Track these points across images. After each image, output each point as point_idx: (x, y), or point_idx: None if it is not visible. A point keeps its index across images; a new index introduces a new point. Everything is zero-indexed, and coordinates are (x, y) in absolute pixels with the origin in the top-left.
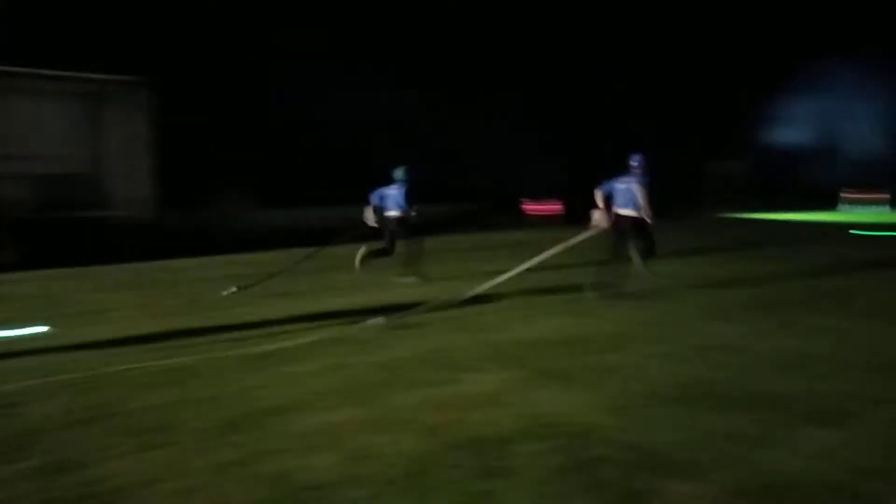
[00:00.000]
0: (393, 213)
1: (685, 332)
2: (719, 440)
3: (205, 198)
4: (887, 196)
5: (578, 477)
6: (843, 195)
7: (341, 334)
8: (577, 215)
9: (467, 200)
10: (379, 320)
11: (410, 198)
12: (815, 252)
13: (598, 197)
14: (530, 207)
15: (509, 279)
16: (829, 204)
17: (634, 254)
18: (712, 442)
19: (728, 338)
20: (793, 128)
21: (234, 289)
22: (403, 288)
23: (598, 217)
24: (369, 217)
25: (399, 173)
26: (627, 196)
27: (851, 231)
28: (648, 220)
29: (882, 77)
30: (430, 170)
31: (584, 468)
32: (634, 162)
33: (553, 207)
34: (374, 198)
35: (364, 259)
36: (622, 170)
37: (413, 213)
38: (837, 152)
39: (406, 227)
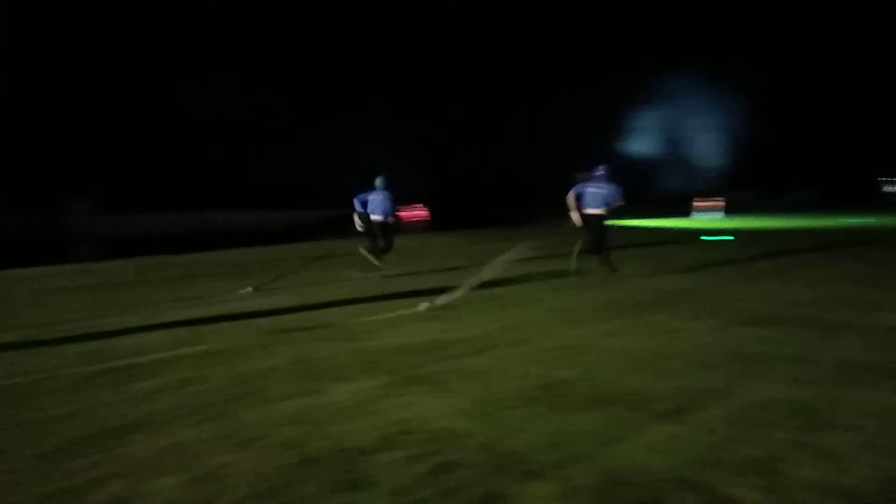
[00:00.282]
0: (377, 217)
1: (544, 334)
2: (574, 439)
3: (49, 201)
4: (722, 203)
5: (436, 483)
6: (694, 203)
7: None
8: (444, 221)
9: (332, 206)
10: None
11: (395, 203)
12: (667, 256)
13: (571, 199)
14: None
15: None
16: (683, 211)
17: (579, 244)
18: (567, 441)
19: (583, 339)
20: (644, 139)
21: (249, 289)
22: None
23: (574, 216)
24: (357, 223)
25: (379, 181)
26: (598, 198)
27: (702, 237)
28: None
29: (720, 91)
30: (290, 172)
31: (442, 474)
32: (600, 171)
33: (419, 214)
34: (357, 204)
35: (369, 259)
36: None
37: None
38: (685, 161)
39: (388, 229)
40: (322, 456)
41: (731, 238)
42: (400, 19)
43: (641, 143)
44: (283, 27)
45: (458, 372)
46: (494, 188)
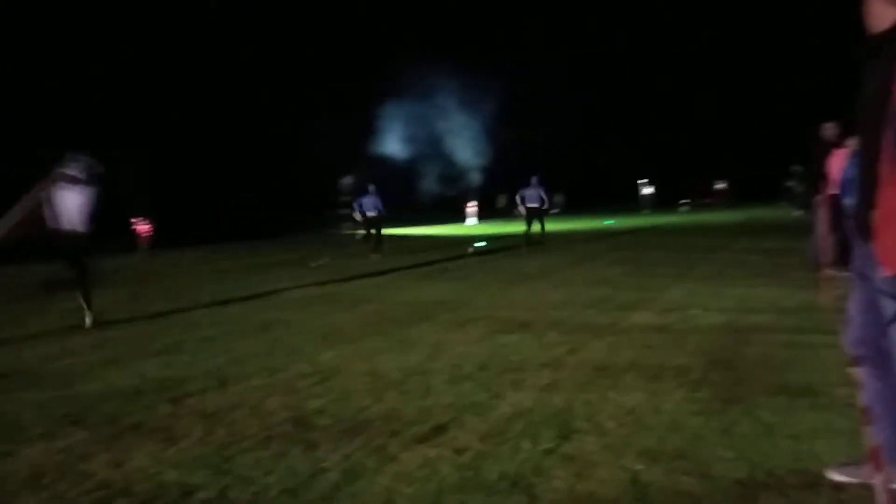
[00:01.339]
0: (371, 213)
1: (293, 358)
2: (321, 480)
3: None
4: (475, 208)
5: None
6: (467, 208)
7: None
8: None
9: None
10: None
11: (384, 201)
12: (433, 264)
13: (520, 198)
14: (141, 228)
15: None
16: (457, 216)
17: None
18: (314, 484)
19: (339, 360)
20: (402, 139)
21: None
22: None
23: (522, 210)
24: (357, 217)
25: (371, 187)
26: (536, 196)
27: (476, 244)
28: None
29: (479, 89)
30: None
31: None
32: (534, 179)
33: (143, 228)
34: (356, 205)
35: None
36: None
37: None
38: (447, 163)
39: (380, 222)
40: None
41: (485, 244)
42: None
43: (399, 144)
44: None
45: (191, 413)
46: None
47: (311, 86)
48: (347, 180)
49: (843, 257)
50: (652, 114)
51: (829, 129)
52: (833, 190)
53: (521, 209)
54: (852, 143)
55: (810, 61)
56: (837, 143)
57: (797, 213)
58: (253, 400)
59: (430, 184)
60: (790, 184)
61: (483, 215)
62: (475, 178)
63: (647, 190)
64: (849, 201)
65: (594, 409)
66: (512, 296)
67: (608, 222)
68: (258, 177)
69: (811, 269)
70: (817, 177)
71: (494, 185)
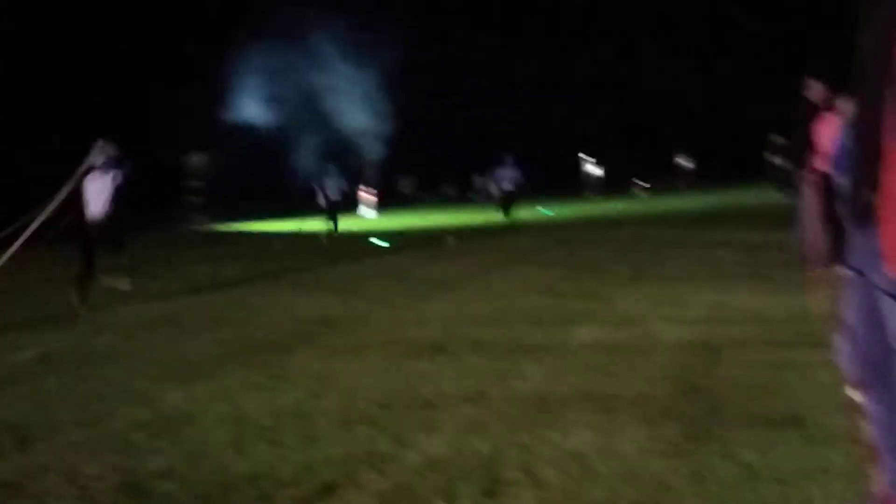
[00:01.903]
0: (336, 196)
1: (129, 401)
2: None
3: None
4: (374, 197)
5: None
6: (361, 194)
7: None
8: None
9: None
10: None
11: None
12: (316, 270)
13: (494, 179)
14: None
15: None
16: (350, 206)
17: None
18: None
19: (189, 404)
20: (270, 103)
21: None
22: None
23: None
24: (321, 199)
25: (332, 168)
26: (511, 177)
27: (371, 239)
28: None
29: (375, 32)
30: None
31: None
32: (510, 159)
33: None
34: (317, 187)
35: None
36: None
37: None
38: (332, 134)
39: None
40: None
41: (387, 244)
42: None
43: (264, 109)
44: None
45: None
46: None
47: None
48: (198, 159)
49: (838, 251)
50: (598, 74)
51: (816, 88)
52: (823, 165)
53: (494, 189)
54: (844, 105)
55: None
56: (826, 106)
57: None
58: (68, 461)
59: (305, 160)
60: (772, 159)
61: (383, 204)
62: (372, 153)
63: (594, 170)
64: (844, 180)
65: (529, 454)
66: (423, 310)
67: (545, 212)
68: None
69: (799, 266)
70: (802, 149)
71: (399, 164)
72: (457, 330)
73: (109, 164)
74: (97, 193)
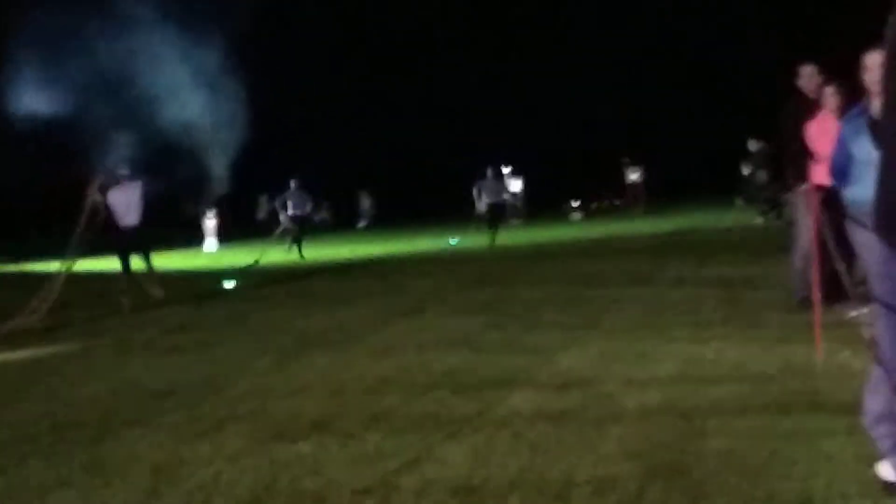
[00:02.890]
0: (297, 212)
1: None
2: None
3: None
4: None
5: None
6: (206, 221)
7: None
8: None
9: None
10: None
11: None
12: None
13: (477, 192)
14: None
15: None
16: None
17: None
18: None
19: None
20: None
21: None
22: None
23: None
24: (283, 219)
25: (293, 181)
26: (498, 189)
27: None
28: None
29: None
30: None
31: None
32: (496, 170)
33: None
34: (280, 204)
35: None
36: None
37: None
38: (157, 140)
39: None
40: None
41: (232, 285)
42: None
43: (51, 97)
44: None
45: None
46: None
47: None
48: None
49: (845, 285)
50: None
51: (809, 76)
52: (822, 177)
53: (481, 206)
54: (832, 95)
55: None
56: (821, 99)
57: (759, 218)
58: None
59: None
60: (747, 171)
61: (228, 233)
62: (217, 169)
63: (514, 184)
64: (854, 190)
65: None
66: (298, 374)
67: (453, 241)
68: None
69: (797, 306)
70: (793, 156)
71: (251, 182)
72: (346, 400)
73: (129, 175)
74: (125, 204)
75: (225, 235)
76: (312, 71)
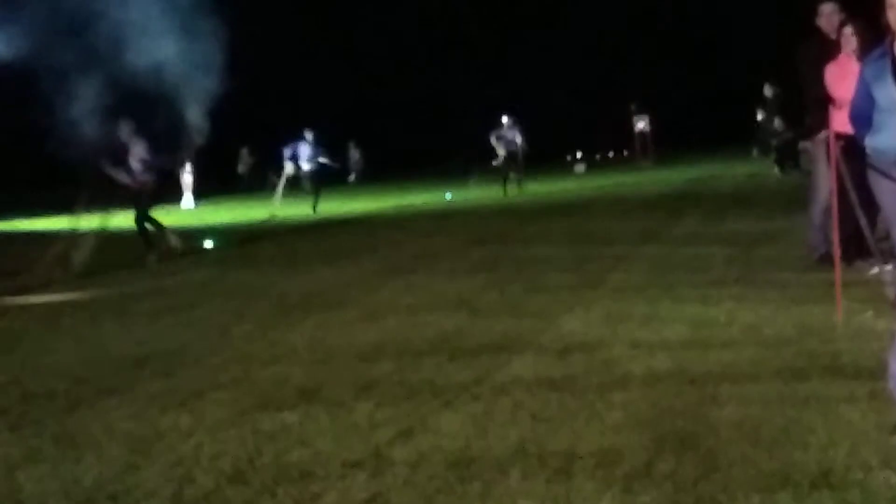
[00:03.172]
0: (308, 165)
1: None
2: None
3: None
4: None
5: None
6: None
7: None
8: None
9: None
10: None
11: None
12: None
13: (496, 139)
14: None
15: None
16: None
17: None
18: None
19: None
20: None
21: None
22: None
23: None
24: (289, 169)
25: (308, 133)
26: (512, 138)
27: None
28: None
29: None
30: None
31: None
32: (508, 120)
33: None
34: (287, 152)
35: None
36: None
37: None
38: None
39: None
40: None
41: (211, 245)
42: None
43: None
44: None
45: None
46: None
47: None
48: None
49: (867, 241)
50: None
51: (829, 14)
52: (842, 124)
53: (501, 151)
54: (852, 35)
55: None
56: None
57: (776, 169)
58: None
59: (85, 121)
60: (762, 117)
61: (205, 189)
62: (194, 119)
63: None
64: (877, 138)
65: None
66: (282, 340)
67: (448, 196)
68: None
69: (815, 264)
70: (811, 102)
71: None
72: (334, 367)
73: (135, 136)
74: (133, 163)
75: (199, 192)
76: (297, 11)
